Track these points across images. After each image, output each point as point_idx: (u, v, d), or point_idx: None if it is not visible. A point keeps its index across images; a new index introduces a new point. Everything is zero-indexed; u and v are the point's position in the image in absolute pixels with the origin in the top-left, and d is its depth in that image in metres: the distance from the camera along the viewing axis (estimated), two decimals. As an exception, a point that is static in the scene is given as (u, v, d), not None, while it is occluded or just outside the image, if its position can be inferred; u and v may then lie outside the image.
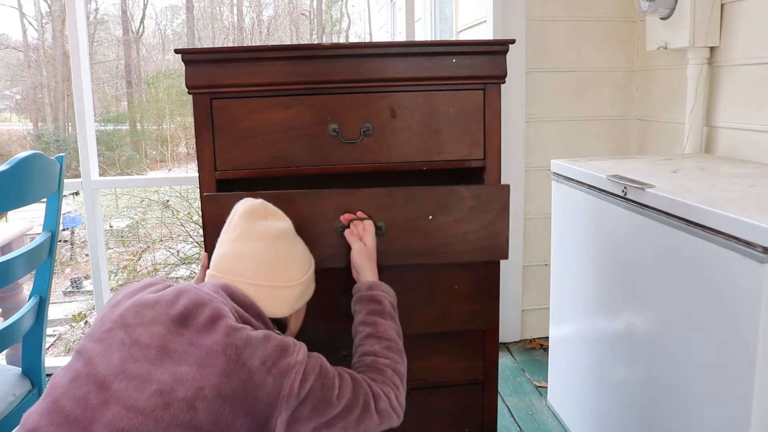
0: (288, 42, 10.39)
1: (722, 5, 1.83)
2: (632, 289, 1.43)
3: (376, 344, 1.08)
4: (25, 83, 11.00)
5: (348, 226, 1.22)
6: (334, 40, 10.41)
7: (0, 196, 1.24)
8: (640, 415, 1.42)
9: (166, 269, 5.99)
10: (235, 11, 12.03)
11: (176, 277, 5.81)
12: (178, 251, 6.17)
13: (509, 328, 2.53)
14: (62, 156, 1.46)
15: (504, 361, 2.37)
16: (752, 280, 1.02)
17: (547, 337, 2.11)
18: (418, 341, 1.33)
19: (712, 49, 1.87)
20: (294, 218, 1.12)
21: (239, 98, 1.28)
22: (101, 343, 0.90)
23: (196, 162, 1.30)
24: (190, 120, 8.54)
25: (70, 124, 10.24)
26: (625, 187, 1.41)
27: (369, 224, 1.22)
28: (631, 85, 2.41)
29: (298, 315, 1.12)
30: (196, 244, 6.01)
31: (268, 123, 1.29)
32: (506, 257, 1.29)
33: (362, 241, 1.20)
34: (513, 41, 1.32)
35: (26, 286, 1.83)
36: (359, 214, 1.23)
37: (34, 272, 1.45)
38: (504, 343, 2.53)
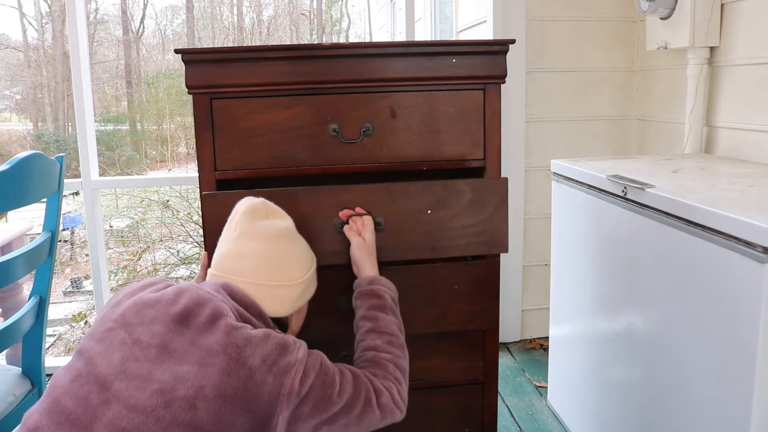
0: (288, 42, 10.39)
1: (722, 5, 1.83)
2: (632, 289, 1.43)
3: (377, 339, 1.08)
4: (25, 83, 11.01)
5: (347, 222, 1.22)
6: (334, 40, 10.41)
7: (0, 196, 1.24)
8: (640, 415, 1.42)
9: (166, 269, 5.99)
10: (235, 11, 12.03)
11: (176, 277, 5.81)
12: (178, 251, 6.18)
13: (509, 328, 2.53)
14: (62, 156, 1.46)
15: (504, 361, 2.37)
16: (752, 280, 1.02)
17: (547, 337, 2.11)
18: (418, 341, 1.33)
19: (712, 49, 1.87)
20: (293, 215, 1.12)
21: (239, 98, 1.28)
22: (102, 342, 0.90)
23: (196, 162, 1.30)
24: (190, 120, 8.54)
25: (70, 124, 10.24)
26: (625, 187, 1.41)
27: (368, 219, 1.22)
28: (631, 85, 2.41)
29: (300, 314, 1.12)
30: (196, 244, 6.01)
31: (268, 123, 1.29)
32: (506, 250, 1.29)
33: (361, 236, 1.20)
34: (513, 41, 1.32)
35: (26, 286, 1.83)
36: (358, 209, 1.23)
37: (34, 272, 1.45)
38: (504, 343, 2.53)
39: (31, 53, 11.00)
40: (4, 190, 1.25)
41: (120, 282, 5.78)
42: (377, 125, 1.31)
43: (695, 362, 1.20)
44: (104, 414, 0.82)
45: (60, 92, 10.50)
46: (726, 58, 1.84)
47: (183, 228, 6.23)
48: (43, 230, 1.43)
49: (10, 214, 4.66)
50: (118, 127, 10.17)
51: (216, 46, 8.07)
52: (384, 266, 1.22)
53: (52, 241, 1.44)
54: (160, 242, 6.42)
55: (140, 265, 6.09)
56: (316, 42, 7.73)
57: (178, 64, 7.40)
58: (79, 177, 2.34)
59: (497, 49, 1.31)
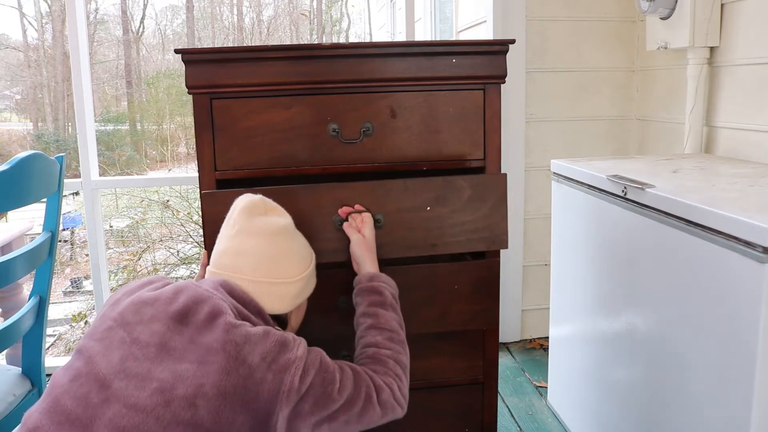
0: (288, 42, 10.39)
1: (722, 5, 1.83)
2: (632, 289, 1.43)
3: (377, 335, 1.08)
4: (25, 83, 11.01)
5: (346, 219, 1.22)
6: (334, 40, 10.41)
7: (0, 196, 1.24)
8: (640, 415, 1.42)
9: (166, 269, 5.99)
10: (235, 11, 12.03)
11: (176, 277, 5.81)
12: (178, 251, 6.18)
13: (509, 328, 2.53)
14: (62, 156, 1.46)
15: (504, 361, 2.37)
16: (752, 280, 1.02)
17: (547, 337, 2.11)
18: (418, 341, 1.33)
19: (712, 49, 1.87)
20: (292, 213, 1.12)
21: (239, 98, 1.28)
22: (101, 341, 0.90)
23: (196, 162, 1.30)
24: (190, 120, 8.54)
25: (70, 124, 10.25)
26: (625, 187, 1.41)
27: (367, 216, 1.22)
28: (631, 85, 2.41)
29: (299, 311, 1.12)
30: (196, 244, 6.01)
31: (268, 123, 1.29)
32: (506, 246, 1.29)
33: (361, 233, 1.20)
34: (513, 41, 1.32)
35: (26, 286, 1.83)
36: (357, 206, 1.23)
37: (34, 272, 1.45)
38: (504, 343, 2.53)
39: (31, 53, 11.01)
40: (4, 190, 1.25)
41: (120, 282, 5.78)
42: (377, 125, 1.31)
43: (695, 362, 1.20)
44: (104, 413, 0.82)
45: (60, 92, 10.50)
46: (726, 58, 1.84)
47: (183, 228, 6.23)
48: (43, 230, 1.43)
49: (10, 214, 4.66)
50: (118, 127, 10.17)
51: (216, 46, 8.07)
52: (384, 265, 1.21)
53: (52, 241, 1.44)
54: (160, 242, 6.43)
55: (140, 265, 6.09)
56: (316, 42, 7.73)
57: (178, 64, 7.40)
58: (79, 177, 2.34)
59: (497, 49, 1.31)
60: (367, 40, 8.88)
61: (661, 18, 1.96)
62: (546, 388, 2.11)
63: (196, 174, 1.31)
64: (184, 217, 6.20)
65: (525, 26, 2.30)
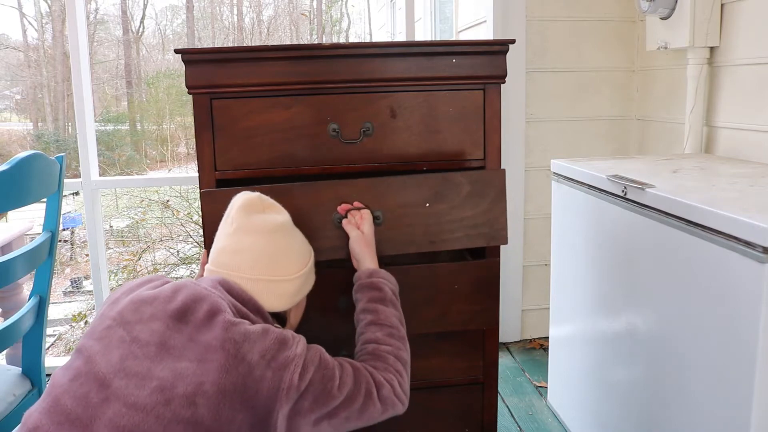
0: (288, 42, 10.39)
1: (722, 5, 1.83)
2: (632, 289, 1.43)
3: (377, 331, 1.08)
4: (25, 83, 11.01)
5: (345, 216, 1.22)
6: (334, 40, 10.41)
7: (0, 196, 1.24)
8: (640, 415, 1.42)
9: (166, 269, 5.99)
10: (235, 11, 12.03)
11: (176, 277, 5.81)
12: (178, 251, 6.18)
13: (509, 328, 2.53)
14: (62, 156, 1.46)
15: (504, 361, 2.37)
16: (752, 280, 1.02)
17: (547, 337, 2.11)
18: (418, 341, 1.33)
19: (712, 49, 1.87)
20: (291, 211, 1.12)
21: (239, 98, 1.28)
22: (101, 341, 0.90)
23: (196, 162, 1.30)
24: (190, 120, 8.54)
25: (70, 124, 10.25)
26: (625, 187, 1.41)
27: (366, 213, 1.22)
28: (631, 85, 2.41)
29: (298, 308, 1.11)
30: (196, 244, 6.01)
31: (268, 123, 1.29)
32: (505, 242, 1.29)
33: (360, 230, 1.20)
34: (513, 41, 1.32)
35: (26, 286, 1.83)
36: (356, 203, 1.23)
37: (34, 272, 1.45)
38: (504, 343, 2.53)
39: (31, 53, 11.01)
40: (4, 190, 1.25)
41: (120, 282, 5.78)
42: (377, 125, 1.31)
43: (695, 362, 1.20)
44: (104, 413, 0.82)
45: (60, 92, 10.50)
46: (726, 58, 1.84)
47: (183, 228, 6.23)
48: (43, 230, 1.43)
49: (10, 214, 4.66)
50: (118, 127, 10.17)
51: (216, 46, 8.07)
52: (384, 265, 1.21)
53: (52, 241, 1.44)
54: (160, 242, 6.43)
55: (140, 265, 6.10)
56: (316, 42, 7.73)
57: (178, 64, 7.40)
58: (79, 177, 2.34)
59: (497, 49, 1.31)
60: (367, 40, 8.88)
61: (661, 18, 1.96)
62: (546, 388, 2.11)
63: (196, 174, 1.31)
64: (184, 217, 6.20)
65: (525, 26, 2.30)
